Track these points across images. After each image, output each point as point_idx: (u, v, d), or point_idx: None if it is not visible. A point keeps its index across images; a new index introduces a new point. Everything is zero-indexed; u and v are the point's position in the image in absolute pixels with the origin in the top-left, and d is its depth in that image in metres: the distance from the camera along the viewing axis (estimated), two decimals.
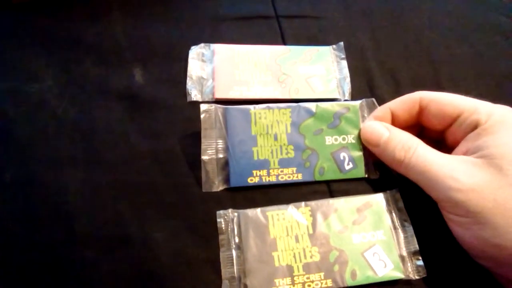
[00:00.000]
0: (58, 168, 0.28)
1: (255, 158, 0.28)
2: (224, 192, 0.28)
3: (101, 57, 0.33)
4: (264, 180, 0.28)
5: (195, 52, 0.33)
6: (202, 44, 0.33)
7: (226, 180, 0.28)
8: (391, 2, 0.38)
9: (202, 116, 0.29)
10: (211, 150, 0.28)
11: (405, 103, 0.28)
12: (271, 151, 0.29)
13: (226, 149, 0.29)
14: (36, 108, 0.30)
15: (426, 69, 0.35)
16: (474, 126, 0.25)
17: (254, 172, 0.28)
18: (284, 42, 0.35)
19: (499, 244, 0.22)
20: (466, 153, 0.25)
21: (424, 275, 0.26)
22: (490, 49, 0.37)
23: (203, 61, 0.33)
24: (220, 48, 0.33)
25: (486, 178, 0.23)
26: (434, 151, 0.26)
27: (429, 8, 0.38)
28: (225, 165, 0.28)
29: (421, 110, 0.28)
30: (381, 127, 0.28)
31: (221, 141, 0.29)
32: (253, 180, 0.28)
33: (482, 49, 0.36)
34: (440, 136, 0.28)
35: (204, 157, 0.28)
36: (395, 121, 0.29)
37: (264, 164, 0.28)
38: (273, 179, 0.28)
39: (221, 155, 0.28)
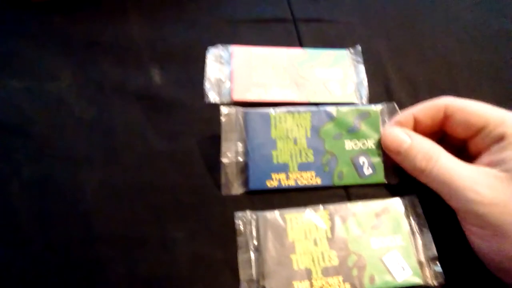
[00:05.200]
0: (76, 167, 0.28)
1: (275, 161, 0.28)
2: (243, 195, 0.28)
3: (119, 58, 0.33)
4: (283, 184, 0.28)
5: (213, 54, 0.33)
6: (220, 46, 0.33)
7: (245, 183, 0.28)
8: (408, 7, 0.38)
9: (222, 119, 0.29)
10: (230, 153, 0.28)
11: (430, 109, 0.28)
12: (290, 155, 0.29)
13: (246, 152, 0.28)
14: (54, 107, 0.30)
15: (442, 74, 0.35)
16: (500, 139, 0.25)
17: (273, 175, 0.28)
18: (301, 45, 0.35)
19: None
20: (489, 165, 0.25)
21: (443, 282, 0.26)
22: (505, 55, 0.36)
23: (221, 63, 0.33)
24: (238, 50, 0.33)
25: (508, 193, 0.23)
26: (456, 161, 0.25)
27: (445, 14, 0.38)
28: (244, 168, 0.28)
29: (446, 118, 0.27)
30: (403, 134, 0.28)
31: (240, 144, 0.29)
32: (272, 183, 0.28)
33: (498, 55, 0.36)
34: (462, 143, 0.28)
35: (224, 160, 0.28)
36: (417, 127, 0.28)
37: (283, 168, 0.28)
38: (292, 183, 0.28)
39: (240, 158, 0.28)
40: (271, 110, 0.29)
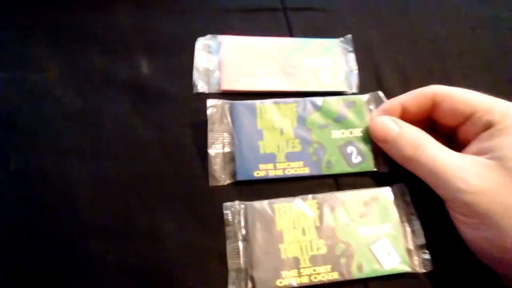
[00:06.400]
0: (64, 158, 0.28)
1: (262, 152, 0.28)
2: (231, 186, 0.28)
3: (107, 48, 0.33)
4: (270, 174, 0.28)
5: (202, 44, 0.33)
6: (209, 36, 0.33)
7: (233, 174, 0.28)
8: None
9: (208, 111, 0.28)
10: (217, 145, 0.28)
11: (418, 97, 0.27)
12: (277, 145, 0.29)
13: (233, 143, 0.28)
14: (41, 97, 0.30)
15: (434, 62, 0.34)
16: (488, 126, 0.25)
17: (261, 166, 0.28)
18: (291, 35, 0.35)
19: (504, 246, 0.22)
20: (477, 153, 0.24)
21: (431, 269, 0.26)
22: (498, 43, 0.36)
23: (209, 52, 0.33)
24: (226, 40, 0.33)
25: (496, 181, 0.22)
26: (444, 149, 0.25)
27: (437, 2, 0.38)
28: (231, 159, 0.28)
29: (434, 106, 0.27)
30: (390, 122, 0.27)
31: (227, 135, 0.29)
32: (259, 174, 0.28)
33: (490, 43, 0.36)
34: (452, 131, 0.28)
35: (211, 152, 0.28)
36: (405, 116, 0.28)
37: (270, 158, 0.28)
38: (279, 173, 0.28)
39: (227, 149, 0.28)
40: (256, 102, 0.29)
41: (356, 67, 0.33)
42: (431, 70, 0.34)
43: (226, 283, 0.25)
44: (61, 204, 0.27)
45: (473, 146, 0.25)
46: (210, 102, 0.29)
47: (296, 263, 0.25)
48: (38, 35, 0.33)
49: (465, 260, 0.26)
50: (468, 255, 0.25)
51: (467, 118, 0.26)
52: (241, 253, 0.26)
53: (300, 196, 0.28)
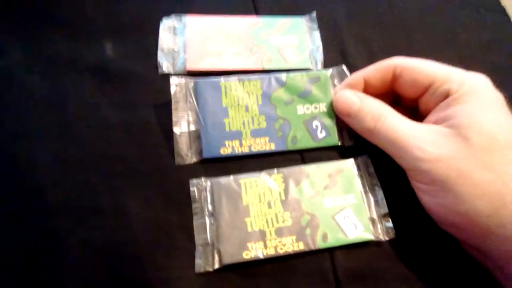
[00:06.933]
0: (28, 140, 0.28)
1: (227, 129, 0.29)
2: (197, 164, 0.28)
3: (71, 31, 0.32)
4: (237, 151, 0.28)
5: (166, 25, 0.33)
6: (173, 16, 0.33)
7: (199, 152, 0.28)
8: None
9: (172, 89, 0.29)
10: (183, 123, 0.28)
11: (379, 70, 0.28)
12: (242, 122, 0.29)
13: (198, 121, 0.29)
14: (5, 82, 0.30)
15: (399, 37, 0.35)
16: (446, 95, 0.25)
17: (227, 143, 0.28)
18: (257, 13, 0.35)
19: (462, 212, 0.23)
20: (435, 122, 0.25)
21: (394, 237, 0.27)
22: (462, 19, 0.37)
23: (174, 33, 0.32)
24: (191, 20, 0.33)
25: (452, 148, 0.23)
26: (403, 120, 0.26)
27: None
28: (197, 138, 0.28)
29: (395, 78, 0.28)
30: (353, 95, 0.28)
31: (192, 113, 0.29)
32: (225, 151, 0.28)
33: (453, 19, 0.37)
34: (414, 103, 0.28)
35: (176, 130, 0.28)
36: (368, 89, 0.29)
37: (236, 135, 0.29)
38: (245, 150, 0.28)
39: (193, 128, 0.29)
40: (221, 79, 0.29)
41: (321, 44, 0.33)
42: (396, 44, 0.35)
43: (193, 258, 0.25)
44: (25, 185, 0.27)
45: (432, 115, 0.26)
46: (173, 80, 0.29)
47: (262, 236, 0.26)
48: (0, 18, 0.32)
49: (426, 228, 0.27)
50: (429, 222, 0.26)
51: (426, 88, 0.26)
52: (208, 228, 0.26)
53: (266, 170, 0.28)
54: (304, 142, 0.29)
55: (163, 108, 0.29)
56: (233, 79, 0.30)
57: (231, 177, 0.27)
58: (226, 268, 0.25)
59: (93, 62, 0.31)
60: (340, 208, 0.27)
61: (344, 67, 0.31)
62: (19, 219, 0.26)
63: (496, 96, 0.25)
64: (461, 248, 0.26)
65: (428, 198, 0.25)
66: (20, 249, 0.25)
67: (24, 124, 0.29)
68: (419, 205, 0.26)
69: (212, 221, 0.26)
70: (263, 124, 0.29)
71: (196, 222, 0.26)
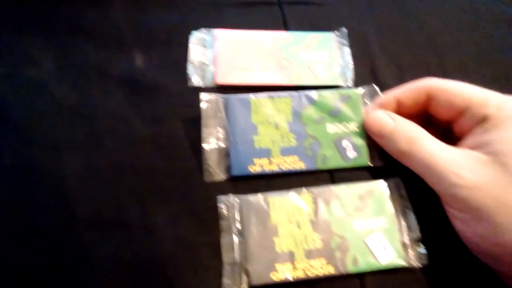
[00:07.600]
0: (58, 152, 0.28)
1: (256, 146, 0.28)
2: (226, 181, 0.28)
3: (101, 42, 0.32)
4: (265, 169, 0.28)
5: (196, 37, 0.33)
6: (203, 29, 0.33)
7: (228, 169, 0.28)
8: None
9: (202, 105, 0.28)
10: (212, 139, 0.28)
11: (412, 91, 0.27)
12: (272, 139, 0.28)
13: (227, 138, 0.28)
14: (35, 92, 0.30)
15: (429, 56, 0.34)
16: (482, 120, 0.24)
17: (255, 161, 0.28)
18: (286, 28, 0.34)
19: (499, 242, 0.22)
20: (472, 147, 0.24)
21: (426, 264, 0.26)
22: (493, 37, 0.36)
23: (204, 46, 0.32)
24: (221, 34, 0.33)
25: (490, 176, 0.22)
26: (438, 143, 0.25)
27: None
28: (226, 154, 0.28)
29: (429, 100, 0.27)
30: (386, 116, 0.27)
31: (222, 130, 0.28)
32: (254, 169, 0.28)
33: (484, 37, 0.36)
34: (447, 125, 0.27)
35: (205, 146, 0.28)
36: (400, 109, 0.28)
37: (265, 153, 0.28)
38: (274, 168, 0.28)
39: (222, 144, 0.28)
40: (251, 96, 0.29)
41: (352, 61, 0.33)
42: (427, 62, 0.34)
43: (220, 277, 0.25)
44: (55, 198, 0.26)
45: (468, 140, 0.25)
46: (203, 96, 0.29)
47: (291, 257, 0.25)
48: (32, 29, 0.33)
49: (460, 255, 0.26)
50: (464, 250, 0.25)
51: (462, 111, 0.26)
52: (236, 246, 0.26)
53: (295, 189, 0.27)
54: (334, 162, 0.29)
55: (192, 122, 0.29)
56: (263, 96, 0.29)
57: (260, 195, 0.27)
58: None
59: (123, 73, 0.31)
60: (371, 231, 0.26)
61: (376, 87, 0.30)
62: (46, 233, 0.26)
63: None
64: (497, 278, 0.25)
65: (463, 226, 0.24)
66: (45, 262, 0.25)
67: (53, 135, 0.29)
68: (453, 231, 0.25)
69: (240, 240, 0.26)
70: (293, 143, 0.29)
71: (223, 240, 0.26)
